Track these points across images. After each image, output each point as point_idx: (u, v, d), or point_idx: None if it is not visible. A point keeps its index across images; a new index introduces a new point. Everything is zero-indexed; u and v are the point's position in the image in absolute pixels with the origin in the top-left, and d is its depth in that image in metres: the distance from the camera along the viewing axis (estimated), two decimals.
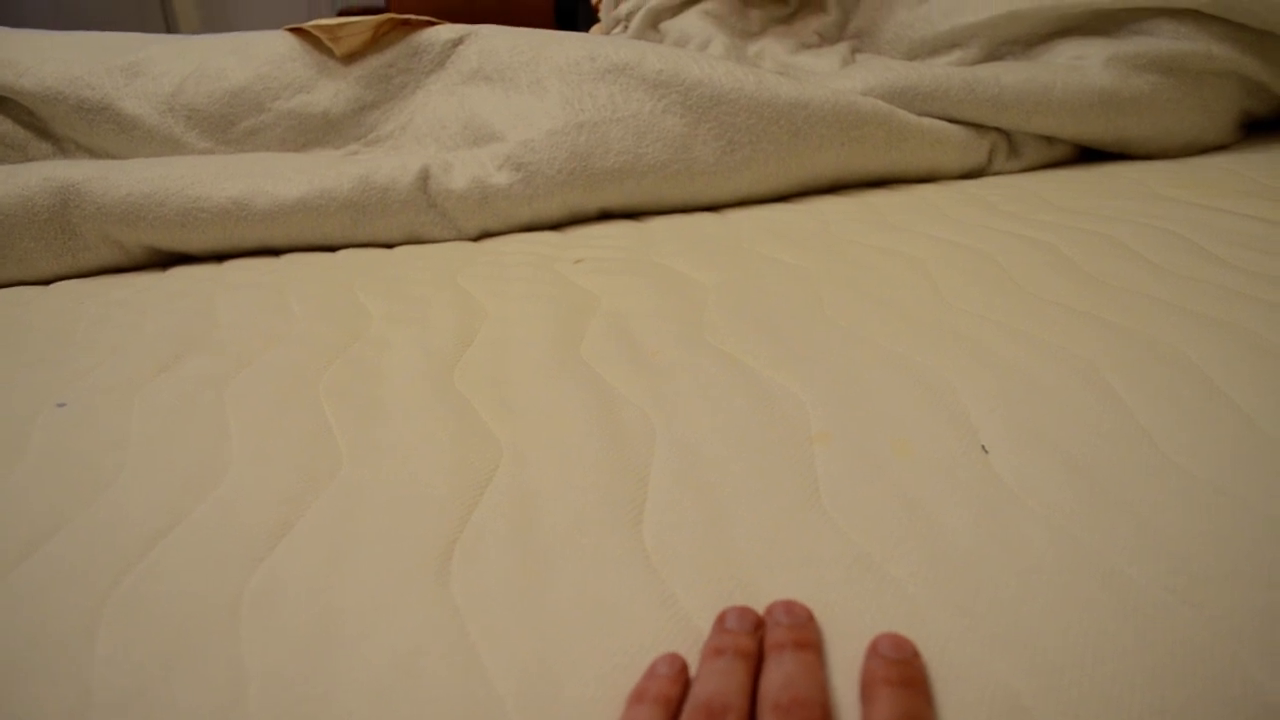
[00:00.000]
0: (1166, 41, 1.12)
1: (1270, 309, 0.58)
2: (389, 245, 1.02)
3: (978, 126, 1.13)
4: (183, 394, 0.61)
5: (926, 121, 1.10)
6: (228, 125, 1.18)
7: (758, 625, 0.37)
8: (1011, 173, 1.15)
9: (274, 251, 1.01)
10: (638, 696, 0.34)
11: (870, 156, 1.09)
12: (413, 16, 1.22)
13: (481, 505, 0.46)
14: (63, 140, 1.20)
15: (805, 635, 0.36)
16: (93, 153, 1.20)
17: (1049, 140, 1.16)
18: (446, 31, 1.21)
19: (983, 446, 0.46)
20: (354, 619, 0.39)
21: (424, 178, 1.00)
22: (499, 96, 1.12)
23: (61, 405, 0.60)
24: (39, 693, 0.36)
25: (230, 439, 0.55)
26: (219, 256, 1.01)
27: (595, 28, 1.89)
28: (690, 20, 1.51)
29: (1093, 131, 1.13)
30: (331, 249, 1.01)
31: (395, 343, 0.68)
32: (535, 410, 0.56)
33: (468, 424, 0.54)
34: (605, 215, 1.08)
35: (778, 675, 0.34)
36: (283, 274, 0.91)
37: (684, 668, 0.35)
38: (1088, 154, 1.20)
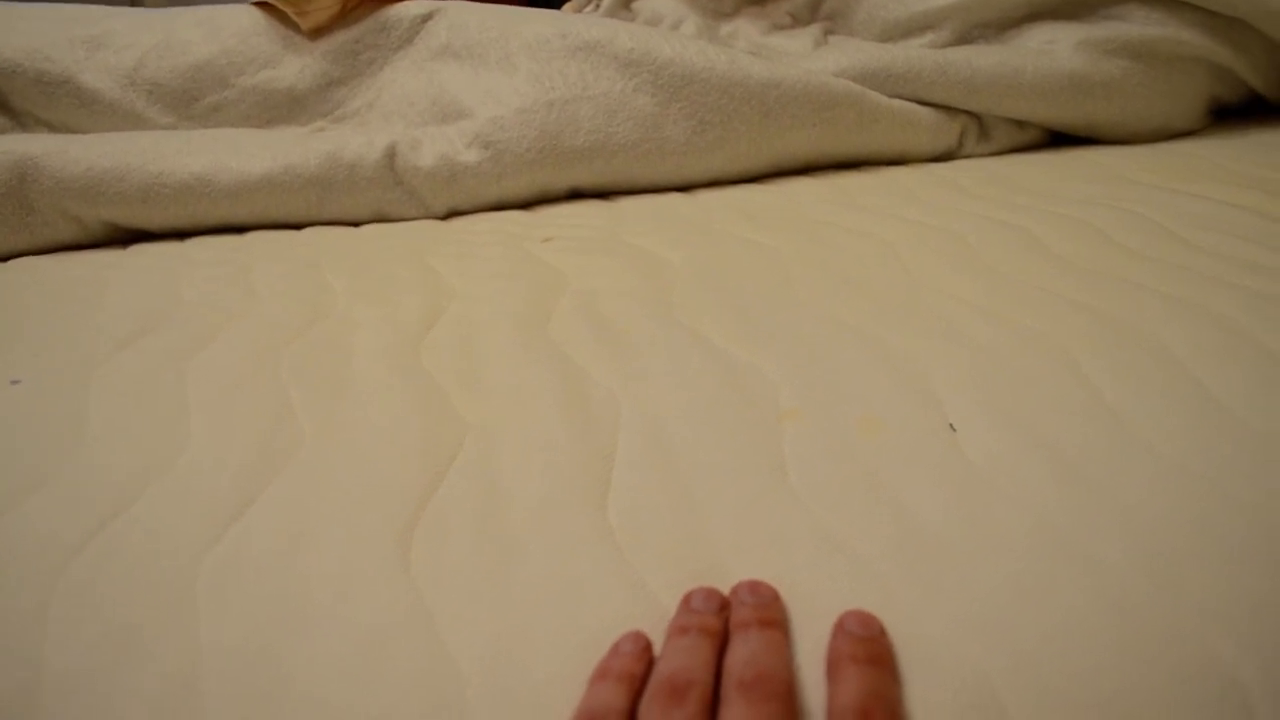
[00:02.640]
0: (1137, 27, 1.12)
1: (1240, 293, 0.58)
2: (355, 223, 1.01)
3: (949, 109, 1.13)
4: (142, 371, 0.60)
5: (898, 103, 1.10)
6: (191, 100, 1.16)
7: (723, 606, 0.36)
8: (982, 156, 1.15)
9: (238, 229, 1.00)
10: (601, 674, 0.33)
11: (841, 137, 1.08)
12: None
13: (445, 484, 0.45)
14: (21, 114, 1.17)
15: (770, 614, 0.36)
16: (52, 127, 1.18)
17: (1020, 124, 1.16)
18: (415, 7, 1.19)
19: (950, 425, 0.46)
20: (314, 598, 0.38)
21: (391, 155, 0.99)
22: (468, 73, 1.11)
23: (16, 382, 0.59)
24: None
25: (190, 416, 0.54)
26: (181, 234, 1.00)
27: (567, 6, 1.87)
28: None
29: (1063, 115, 1.13)
30: (297, 227, 0.99)
31: (360, 321, 0.67)
32: (501, 389, 0.55)
33: (433, 402, 0.54)
34: (575, 194, 1.07)
35: (743, 652, 0.33)
36: (247, 252, 0.89)
37: (648, 645, 0.35)
38: (1058, 138, 1.20)
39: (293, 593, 0.39)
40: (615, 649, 0.35)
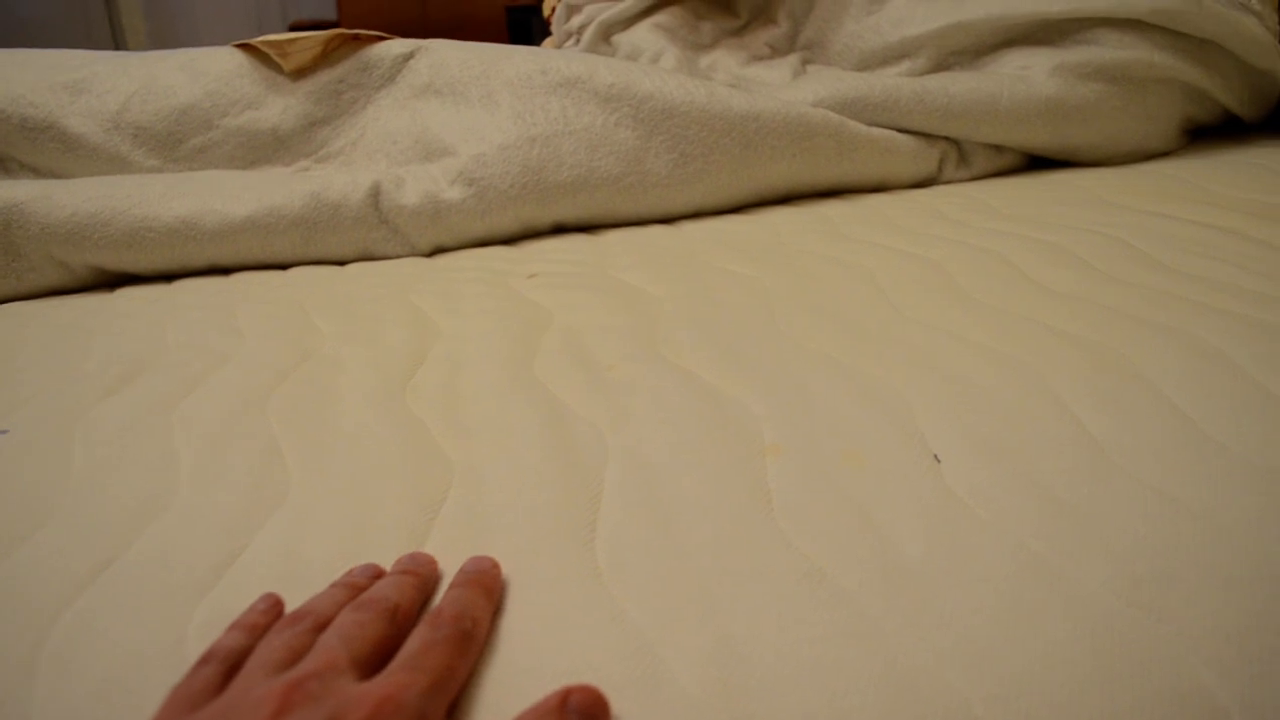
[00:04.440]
0: (1110, 50, 1.14)
1: (1215, 314, 0.59)
2: (341, 263, 1.01)
3: (927, 136, 1.14)
4: (130, 418, 0.60)
5: (877, 131, 1.11)
6: (175, 143, 1.16)
7: (378, 575, 0.41)
8: (961, 181, 1.16)
9: (224, 271, 1.00)
10: (231, 626, 0.38)
11: (822, 167, 1.09)
12: (363, 31, 1.21)
13: (434, 528, 0.46)
14: (5, 160, 1.17)
15: (413, 568, 0.42)
16: (37, 172, 1.18)
17: (998, 149, 1.17)
18: (397, 46, 1.20)
19: (935, 456, 0.47)
20: None
21: (375, 194, 1.00)
22: (450, 111, 1.11)
23: (4, 432, 0.59)
24: None
25: (178, 463, 0.54)
26: (168, 277, 1.00)
27: (547, 41, 1.89)
28: (642, 34, 1.51)
29: (1040, 140, 1.14)
30: (283, 267, 1.00)
31: (346, 362, 0.67)
32: (488, 429, 0.55)
33: (419, 445, 0.54)
34: (559, 229, 1.07)
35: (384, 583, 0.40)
36: (232, 294, 0.90)
37: (279, 603, 0.40)
38: (1036, 162, 1.21)
39: None
40: (251, 607, 0.39)
